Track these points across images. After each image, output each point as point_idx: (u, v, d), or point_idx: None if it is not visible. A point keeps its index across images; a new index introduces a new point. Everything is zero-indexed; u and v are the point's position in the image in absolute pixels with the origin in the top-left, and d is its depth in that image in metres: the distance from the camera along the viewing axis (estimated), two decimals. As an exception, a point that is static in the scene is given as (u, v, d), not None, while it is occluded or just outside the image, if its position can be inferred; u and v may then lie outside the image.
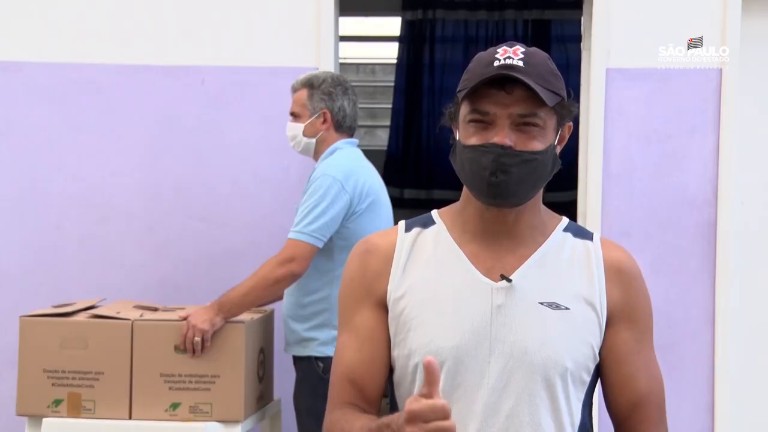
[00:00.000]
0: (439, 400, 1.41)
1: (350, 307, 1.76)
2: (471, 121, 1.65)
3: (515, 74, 1.60)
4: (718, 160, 3.70)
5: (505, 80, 1.62)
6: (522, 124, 1.63)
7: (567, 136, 1.74)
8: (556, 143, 1.69)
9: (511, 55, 1.64)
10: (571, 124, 1.74)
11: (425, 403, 1.40)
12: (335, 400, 1.73)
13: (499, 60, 1.63)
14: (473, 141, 1.65)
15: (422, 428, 1.40)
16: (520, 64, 1.62)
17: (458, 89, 1.68)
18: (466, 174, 1.68)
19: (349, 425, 1.65)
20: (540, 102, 1.62)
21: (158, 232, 3.80)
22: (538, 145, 1.65)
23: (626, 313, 1.73)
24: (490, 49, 1.68)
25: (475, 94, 1.64)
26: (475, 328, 1.67)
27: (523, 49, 1.66)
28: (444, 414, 1.40)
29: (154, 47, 3.79)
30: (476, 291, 1.69)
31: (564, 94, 1.69)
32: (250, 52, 3.78)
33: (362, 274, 1.75)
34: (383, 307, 1.73)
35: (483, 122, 1.64)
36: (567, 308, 1.68)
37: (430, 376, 1.41)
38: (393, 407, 1.79)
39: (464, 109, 1.67)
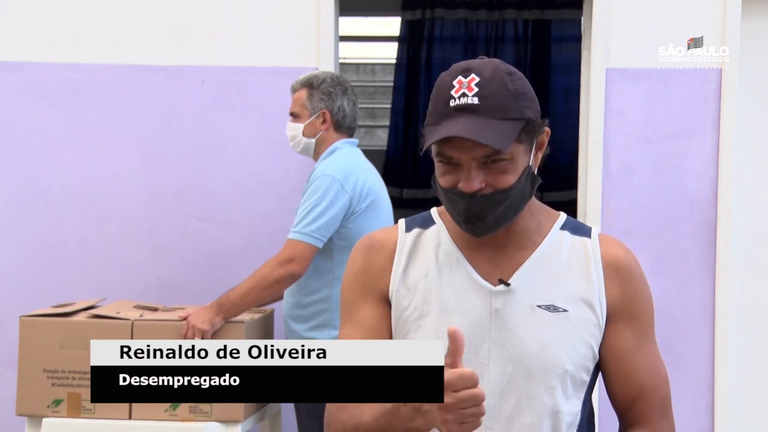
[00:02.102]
0: (466, 369, 1.42)
1: (353, 301, 1.77)
2: (440, 161, 1.65)
3: (467, 132, 1.57)
4: (718, 160, 3.71)
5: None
6: (490, 162, 1.61)
7: (546, 141, 1.71)
8: (531, 162, 1.67)
9: (465, 91, 1.61)
10: (548, 129, 1.70)
11: (454, 371, 1.41)
12: None
13: (454, 98, 1.61)
14: (444, 182, 1.65)
15: (453, 397, 1.41)
16: (475, 101, 1.59)
17: (425, 122, 1.66)
18: (446, 208, 1.70)
19: (358, 410, 1.63)
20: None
21: (158, 232, 3.80)
22: (509, 179, 1.63)
23: (626, 310, 1.72)
24: (447, 78, 1.64)
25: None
26: (474, 331, 1.67)
27: (477, 80, 1.61)
28: (473, 382, 1.41)
29: (154, 47, 3.79)
30: (475, 295, 1.69)
31: (530, 113, 1.64)
32: (250, 52, 3.78)
33: (365, 271, 1.76)
34: (386, 302, 1.74)
35: (450, 164, 1.63)
36: (565, 310, 1.69)
37: (455, 344, 1.42)
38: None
39: (433, 146, 1.64)
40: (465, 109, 1.60)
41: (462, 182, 1.62)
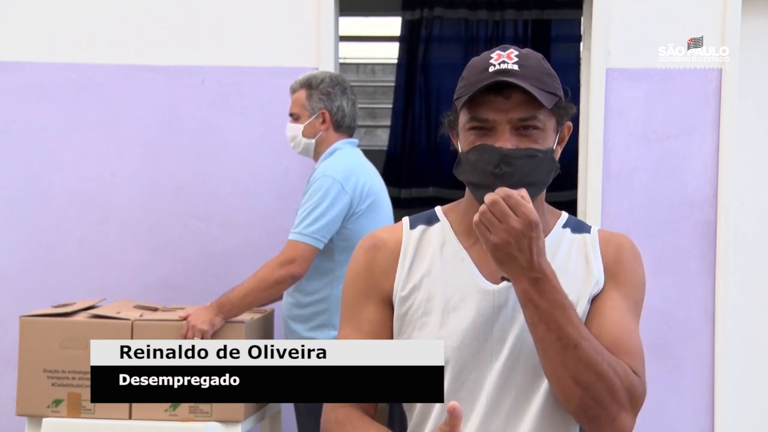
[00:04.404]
0: None
1: (355, 301, 1.76)
2: (471, 128, 1.66)
3: (512, 79, 1.60)
4: (718, 160, 3.71)
5: (502, 86, 1.62)
6: (522, 128, 1.64)
7: (567, 137, 1.74)
8: (555, 146, 1.70)
9: (505, 59, 1.64)
10: (570, 124, 1.74)
11: None
12: None
13: (494, 65, 1.64)
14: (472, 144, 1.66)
15: None
16: (515, 67, 1.63)
17: (455, 97, 1.68)
18: (472, 174, 1.67)
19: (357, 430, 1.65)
20: (538, 104, 1.62)
21: (158, 232, 3.80)
22: (539, 146, 1.65)
23: (612, 275, 1.72)
24: (484, 54, 1.68)
25: (473, 102, 1.64)
26: (478, 329, 1.68)
27: (516, 52, 1.66)
28: None
29: (154, 47, 3.79)
30: (479, 293, 1.70)
31: (561, 93, 1.69)
32: (250, 52, 3.78)
33: (368, 270, 1.76)
34: (388, 304, 1.74)
35: (483, 129, 1.65)
36: (567, 307, 1.68)
37: (453, 419, 1.45)
38: (392, 406, 1.79)
39: (463, 117, 1.67)
40: (505, 73, 1.62)
41: (496, 143, 1.63)
